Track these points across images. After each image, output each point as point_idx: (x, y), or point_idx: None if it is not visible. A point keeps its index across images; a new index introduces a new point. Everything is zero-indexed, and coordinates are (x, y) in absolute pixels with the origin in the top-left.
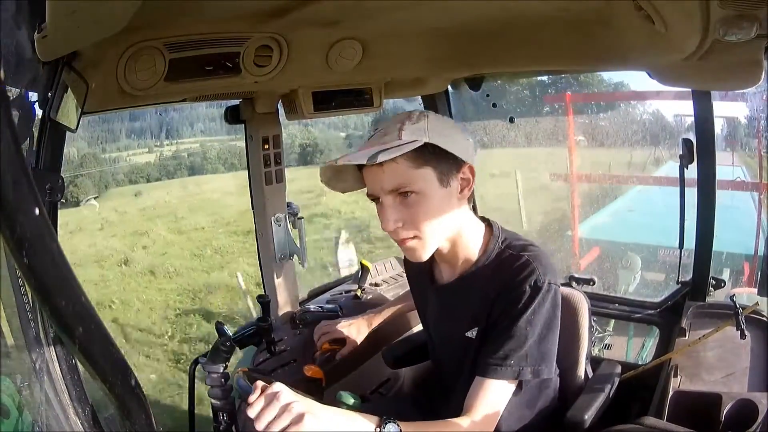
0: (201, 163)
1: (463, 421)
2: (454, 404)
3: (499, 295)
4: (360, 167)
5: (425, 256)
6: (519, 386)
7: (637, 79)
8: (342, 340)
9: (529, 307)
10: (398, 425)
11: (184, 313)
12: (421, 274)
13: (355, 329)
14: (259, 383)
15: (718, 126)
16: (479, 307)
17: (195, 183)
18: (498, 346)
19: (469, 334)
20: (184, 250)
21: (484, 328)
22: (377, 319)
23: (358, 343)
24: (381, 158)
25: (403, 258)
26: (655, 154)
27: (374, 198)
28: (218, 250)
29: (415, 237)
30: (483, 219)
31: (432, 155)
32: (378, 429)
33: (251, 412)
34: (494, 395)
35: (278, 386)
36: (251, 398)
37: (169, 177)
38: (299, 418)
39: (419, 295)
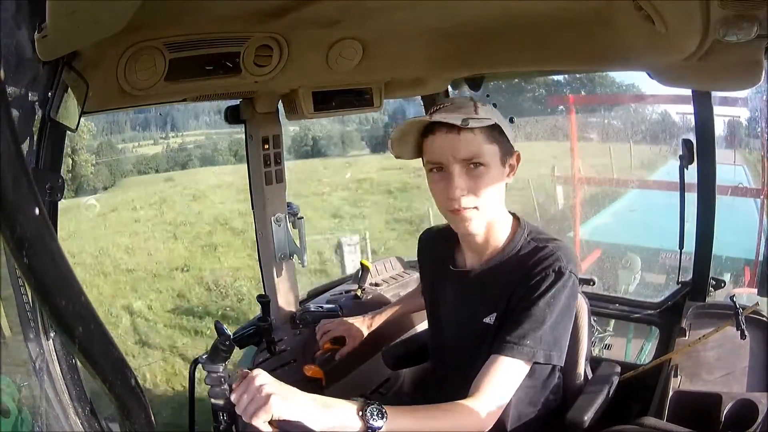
0: (212, 155)
1: (470, 402)
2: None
3: (521, 280)
4: (424, 135)
5: (480, 229)
6: (542, 384)
7: (647, 81)
8: (342, 339)
9: (551, 290)
10: (384, 410)
11: None
12: (441, 258)
13: (356, 329)
14: (244, 371)
15: (719, 127)
16: (500, 295)
17: (220, 172)
18: (516, 325)
19: (486, 320)
20: None
21: (502, 313)
22: (378, 320)
23: (358, 342)
24: (472, 124)
25: (404, 258)
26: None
27: (438, 166)
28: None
29: (475, 207)
30: (509, 213)
31: (499, 135)
32: (360, 413)
33: (233, 398)
34: (507, 374)
35: (256, 371)
36: (235, 385)
37: (182, 167)
38: (266, 400)
39: (433, 281)
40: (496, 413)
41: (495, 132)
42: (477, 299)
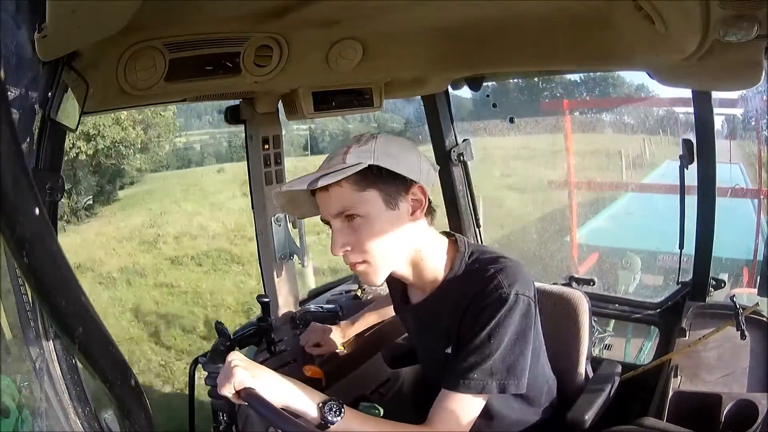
0: (227, 152)
1: (422, 429)
2: None
3: (467, 310)
4: (313, 193)
5: (378, 281)
6: (522, 397)
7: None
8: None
9: (493, 319)
10: (342, 410)
11: None
12: (398, 293)
13: (329, 337)
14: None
15: (717, 123)
16: (450, 323)
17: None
18: (462, 359)
19: (448, 350)
20: None
21: (455, 344)
22: (352, 330)
23: (335, 348)
24: (321, 183)
25: None
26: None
27: (326, 222)
28: None
29: (364, 261)
30: (448, 234)
31: (377, 177)
32: (319, 404)
33: (218, 380)
34: (457, 409)
35: (232, 355)
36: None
37: (197, 164)
38: (231, 371)
39: (400, 314)
40: None
41: (371, 175)
42: (433, 332)
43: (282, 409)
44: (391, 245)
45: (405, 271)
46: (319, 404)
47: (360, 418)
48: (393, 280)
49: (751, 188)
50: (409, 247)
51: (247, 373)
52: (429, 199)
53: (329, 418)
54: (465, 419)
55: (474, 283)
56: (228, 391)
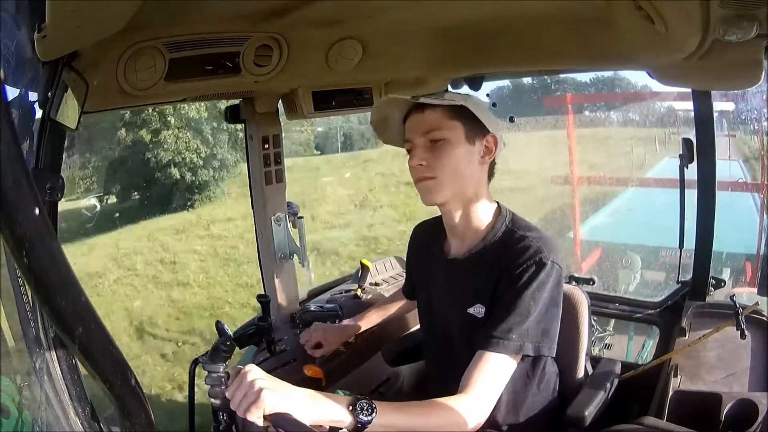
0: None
1: (459, 399)
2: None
3: (503, 272)
4: (405, 119)
5: (437, 198)
6: (527, 375)
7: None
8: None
9: (533, 282)
10: (374, 405)
11: None
12: (431, 248)
13: (331, 334)
14: (239, 367)
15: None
16: (483, 284)
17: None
18: (501, 319)
19: (471, 310)
20: None
21: (489, 305)
22: (356, 329)
23: (334, 347)
24: (423, 100)
25: (404, 258)
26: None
27: (410, 146)
28: None
29: (433, 177)
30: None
31: (465, 115)
32: (350, 407)
33: (227, 394)
34: (495, 370)
35: (248, 367)
36: (230, 381)
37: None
38: (258, 395)
39: (424, 269)
40: (486, 409)
41: (460, 111)
42: (462, 288)
43: (314, 425)
44: (459, 173)
45: (456, 210)
46: (349, 407)
47: (393, 408)
48: (430, 233)
49: (752, 183)
50: (470, 186)
51: (276, 397)
52: (495, 157)
53: (363, 418)
54: (501, 380)
55: (514, 247)
56: (255, 416)
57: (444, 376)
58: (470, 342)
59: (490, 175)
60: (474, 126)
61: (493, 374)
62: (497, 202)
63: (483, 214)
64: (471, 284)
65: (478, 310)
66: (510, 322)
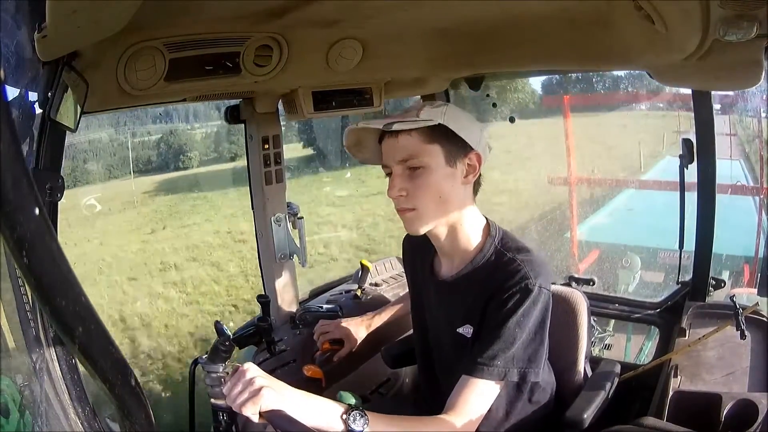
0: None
1: (443, 420)
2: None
3: (492, 296)
4: (380, 140)
5: (421, 230)
6: (519, 389)
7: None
8: (341, 341)
9: (519, 309)
10: (366, 417)
11: None
12: (422, 264)
13: (354, 330)
14: (237, 365)
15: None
16: (472, 305)
17: None
18: (486, 346)
19: (460, 330)
20: None
21: (478, 327)
22: (377, 321)
23: (357, 344)
24: (396, 127)
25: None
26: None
27: (387, 170)
28: None
29: (413, 209)
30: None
31: (443, 135)
32: (344, 416)
33: (225, 391)
34: (479, 395)
35: (247, 365)
36: (227, 379)
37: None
38: (257, 392)
39: (417, 286)
40: (472, 428)
41: (438, 132)
42: (451, 309)
43: (310, 427)
44: (441, 199)
45: (442, 233)
46: (342, 416)
47: (385, 420)
48: (420, 249)
49: (752, 186)
50: (454, 209)
51: (275, 395)
52: (480, 172)
53: (355, 428)
54: (485, 404)
55: (503, 270)
56: (251, 411)
57: (434, 388)
58: (458, 360)
59: (476, 191)
60: (454, 146)
61: (476, 399)
62: (486, 218)
63: (471, 234)
64: (460, 305)
65: (467, 330)
66: (495, 349)
